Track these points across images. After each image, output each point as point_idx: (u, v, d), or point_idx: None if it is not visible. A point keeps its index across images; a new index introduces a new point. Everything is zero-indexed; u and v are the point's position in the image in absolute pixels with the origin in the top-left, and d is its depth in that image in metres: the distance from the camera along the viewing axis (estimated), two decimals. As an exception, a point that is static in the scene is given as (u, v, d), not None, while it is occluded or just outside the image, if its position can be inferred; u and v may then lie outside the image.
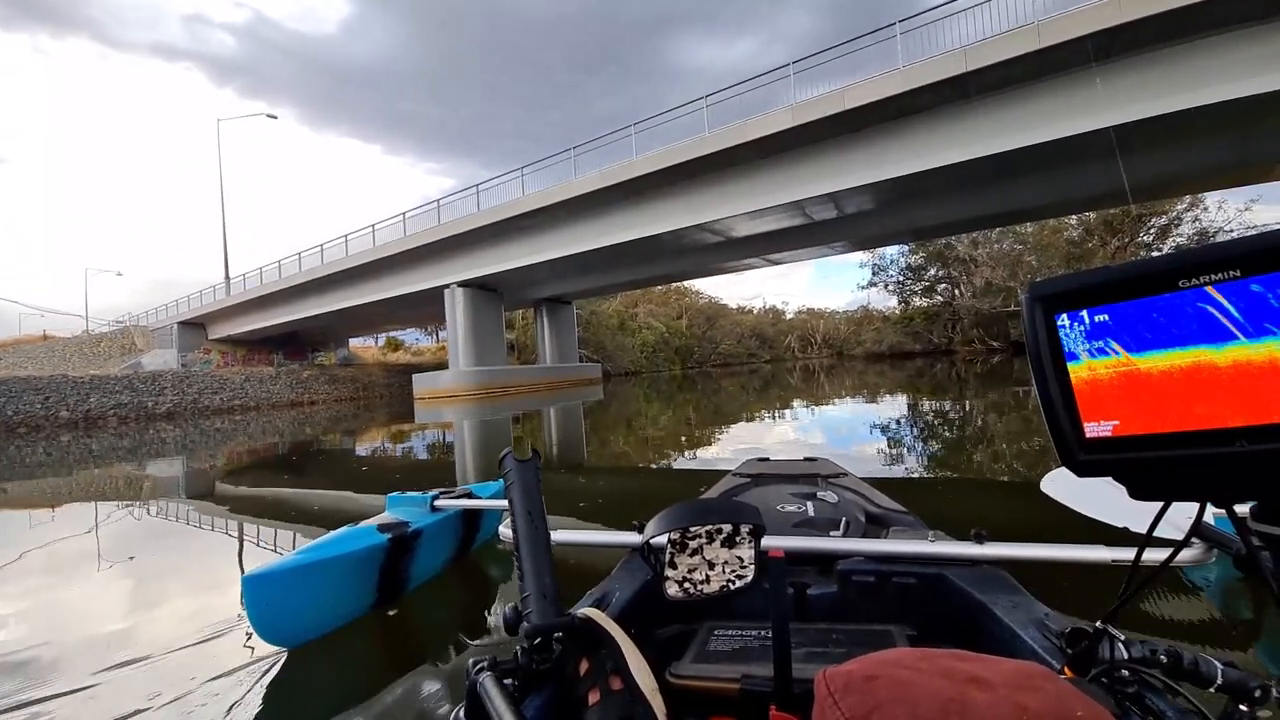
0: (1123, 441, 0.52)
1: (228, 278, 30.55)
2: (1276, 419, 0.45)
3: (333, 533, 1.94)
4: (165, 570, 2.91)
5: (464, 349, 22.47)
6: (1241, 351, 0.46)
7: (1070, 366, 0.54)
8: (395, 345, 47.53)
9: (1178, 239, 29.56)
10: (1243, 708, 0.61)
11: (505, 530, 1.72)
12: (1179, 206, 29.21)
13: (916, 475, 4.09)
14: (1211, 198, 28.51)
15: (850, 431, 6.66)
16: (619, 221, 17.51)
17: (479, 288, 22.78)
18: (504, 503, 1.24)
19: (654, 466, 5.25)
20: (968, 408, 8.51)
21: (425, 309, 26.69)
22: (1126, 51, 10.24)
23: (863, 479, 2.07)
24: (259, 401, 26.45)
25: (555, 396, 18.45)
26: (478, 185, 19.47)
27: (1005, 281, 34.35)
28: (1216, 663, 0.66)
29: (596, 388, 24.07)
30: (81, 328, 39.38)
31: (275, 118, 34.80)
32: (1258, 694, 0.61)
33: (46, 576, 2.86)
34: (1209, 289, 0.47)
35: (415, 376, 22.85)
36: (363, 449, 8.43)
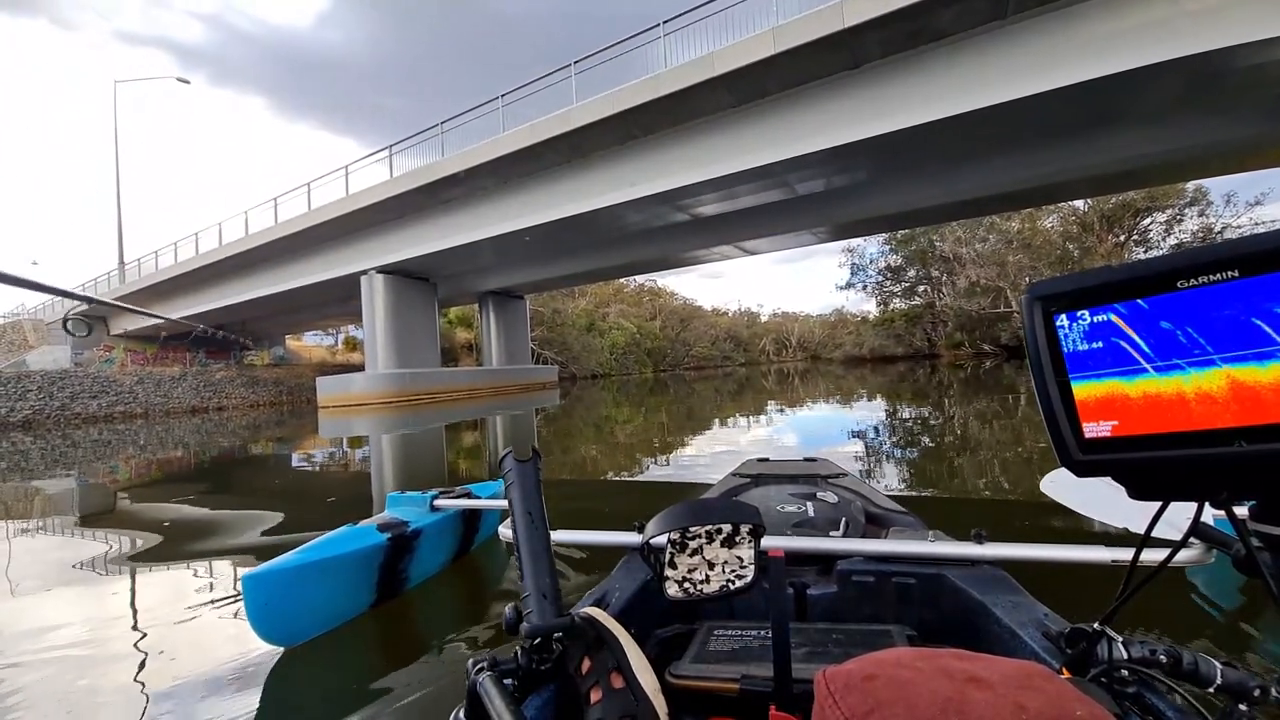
0: (1121, 442, 0.52)
1: (121, 263, 26.35)
2: (1275, 419, 0.45)
3: (332, 532, 1.88)
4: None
5: (384, 347, 18.91)
6: (1240, 351, 0.46)
7: (1069, 366, 0.54)
8: (352, 344, 43.20)
9: (1180, 236, 27.62)
10: (1242, 707, 0.62)
11: (505, 530, 1.72)
12: (1180, 201, 27.29)
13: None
14: (1217, 193, 26.67)
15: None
16: (561, 191, 14.26)
17: (403, 275, 19.26)
18: (504, 503, 1.23)
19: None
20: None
21: (357, 302, 22.92)
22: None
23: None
24: (151, 407, 22.80)
25: (499, 403, 15.82)
26: (390, 146, 15.93)
27: (995, 281, 32.03)
28: (1216, 663, 0.67)
29: (552, 393, 20.91)
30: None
31: (188, 82, 30.80)
32: (1257, 694, 0.62)
33: None
34: (1208, 289, 0.47)
35: (320, 380, 18.89)
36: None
